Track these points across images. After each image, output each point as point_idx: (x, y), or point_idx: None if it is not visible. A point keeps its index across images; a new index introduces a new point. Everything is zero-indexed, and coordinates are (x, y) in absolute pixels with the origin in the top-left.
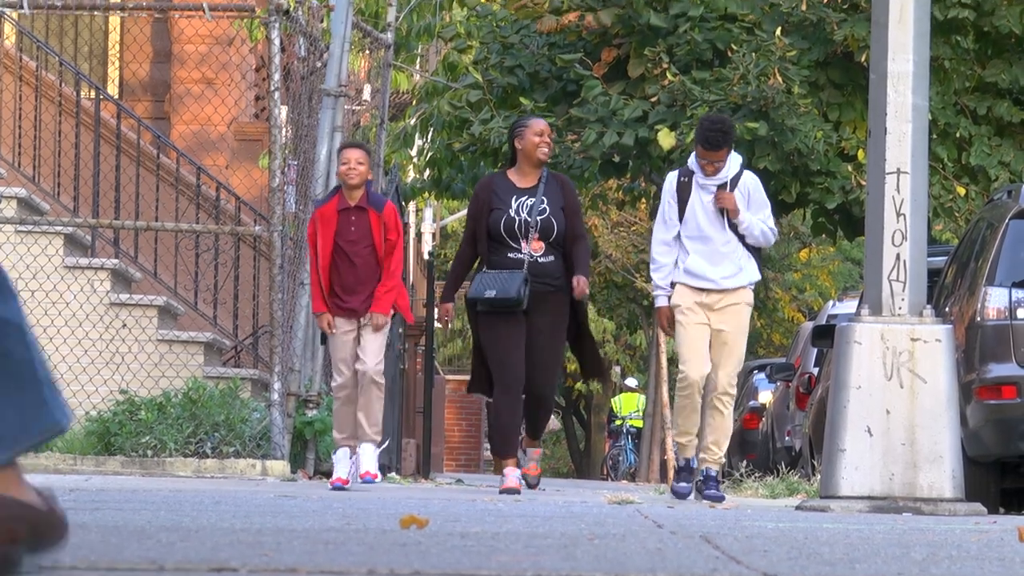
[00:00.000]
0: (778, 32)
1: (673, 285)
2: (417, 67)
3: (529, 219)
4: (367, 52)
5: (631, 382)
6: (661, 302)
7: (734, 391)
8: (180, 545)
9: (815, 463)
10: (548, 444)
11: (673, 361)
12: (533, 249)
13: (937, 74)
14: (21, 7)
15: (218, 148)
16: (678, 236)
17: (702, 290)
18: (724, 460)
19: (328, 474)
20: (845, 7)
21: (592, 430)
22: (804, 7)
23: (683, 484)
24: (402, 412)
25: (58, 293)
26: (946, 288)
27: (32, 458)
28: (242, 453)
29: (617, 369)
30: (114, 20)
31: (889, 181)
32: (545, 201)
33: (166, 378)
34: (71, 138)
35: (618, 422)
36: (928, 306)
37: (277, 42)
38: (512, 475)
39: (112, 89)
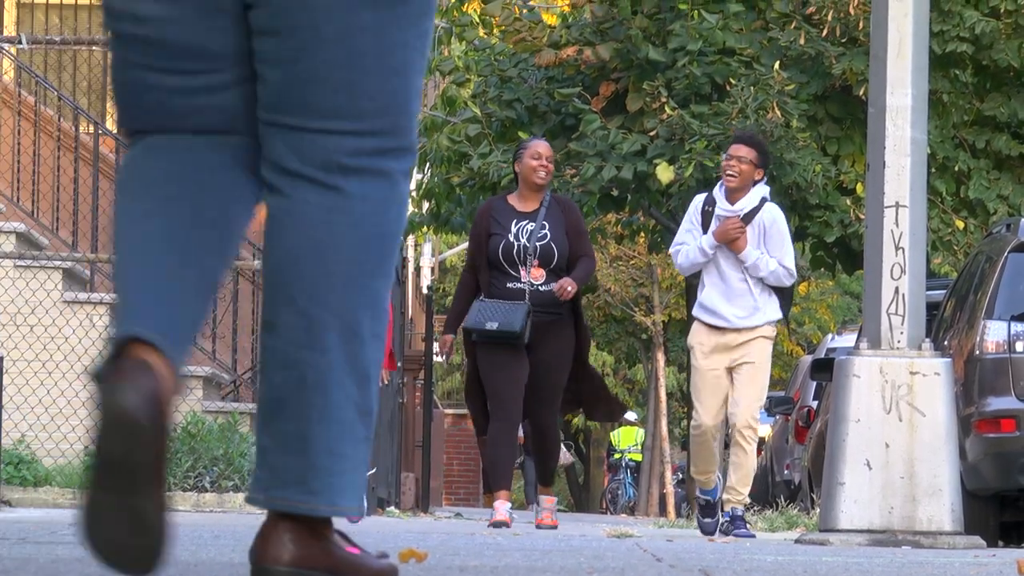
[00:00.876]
0: (776, 66)
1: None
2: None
3: (528, 244)
4: None
5: (630, 416)
6: (707, 240)
7: (758, 425)
8: None
9: (814, 496)
10: None
11: (672, 395)
12: (533, 277)
13: (936, 108)
14: (20, 43)
15: None
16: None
17: (717, 328)
18: (748, 500)
19: None
20: (843, 41)
21: (591, 464)
22: (802, 41)
23: (708, 520)
24: (401, 446)
25: (57, 328)
26: (945, 321)
27: (32, 492)
28: (241, 487)
29: None
30: None
31: (888, 215)
32: (547, 227)
33: None
34: (70, 173)
35: (617, 455)
36: (927, 339)
37: None
38: (502, 508)
39: (111, 124)
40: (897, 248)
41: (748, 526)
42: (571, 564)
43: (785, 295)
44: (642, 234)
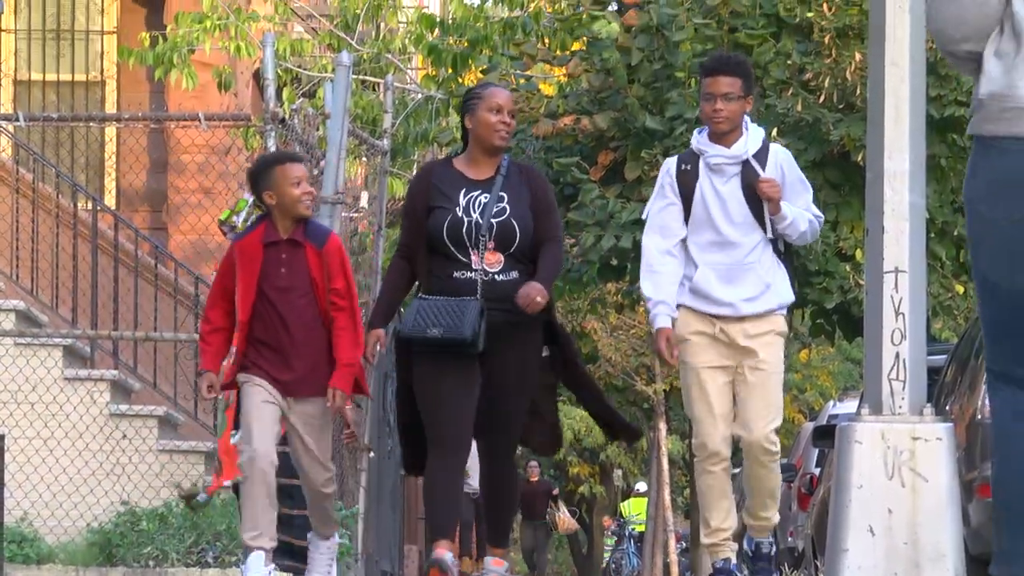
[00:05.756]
0: (774, 133)
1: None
2: (414, 173)
3: (482, 221)
4: (364, 159)
5: (641, 487)
6: (660, 322)
7: (777, 448)
8: None
9: (818, 563)
10: (551, 548)
11: (675, 463)
12: (488, 263)
13: (934, 172)
14: (17, 119)
15: (216, 257)
16: (682, 243)
17: (715, 317)
18: (775, 525)
19: None
20: (841, 107)
21: (595, 533)
22: (800, 108)
23: None
24: (403, 519)
25: (58, 405)
26: (946, 386)
27: (35, 570)
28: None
29: (619, 472)
30: (110, 131)
31: (887, 280)
32: (505, 198)
33: (167, 488)
34: (69, 249)
35: (620, 524)
36: (928, 405)
37: (273, 150)
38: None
39: (109, 200)
40: (897, 313)
41: (774, 566)
42: None
43: (794, 266)
44: (642, 303)
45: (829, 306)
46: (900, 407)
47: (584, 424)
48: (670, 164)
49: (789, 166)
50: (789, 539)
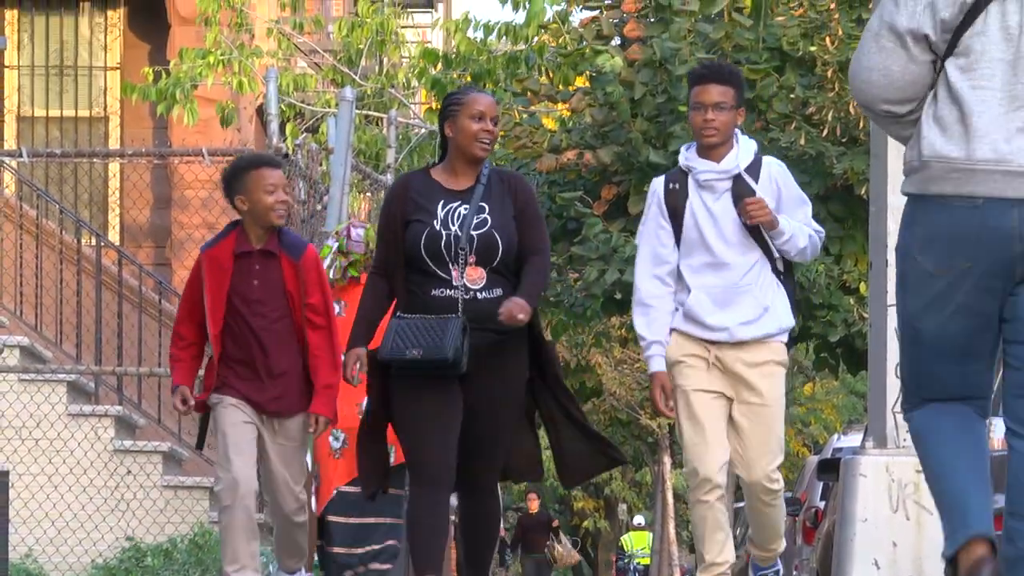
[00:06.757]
0: None
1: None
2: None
3: (461, 234)
4: (367, 194)
5: (639, 520)
6: (656, 365)
7: (780, 485)
8: None
9: None
10: None
11: (680, 497)
12: (469, 279)
13: None
14: (20, 156)
15: None
16: (675, 269)
17: (710, 343)
18: (781, 551)
19: None
20: (844, 141)
21: (599, 568)
22: (803, 142)
23: None
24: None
25: (62, 441)
26: None
27: None
28: None
29: (623, 506)
30: (114, 166)
31: (891, 313)
32: (486, 208)
33: (172, 524)
34: (73, 285)
35: (626, 560)
36: None
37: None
38: None
39: (113, 236)
40: None
41: None
42: None
43: (794, 286)
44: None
45: (833, 339)
46: (904, 440)
47: None
48: (657, 185)
49: (784, 180)
50: (794, 573)
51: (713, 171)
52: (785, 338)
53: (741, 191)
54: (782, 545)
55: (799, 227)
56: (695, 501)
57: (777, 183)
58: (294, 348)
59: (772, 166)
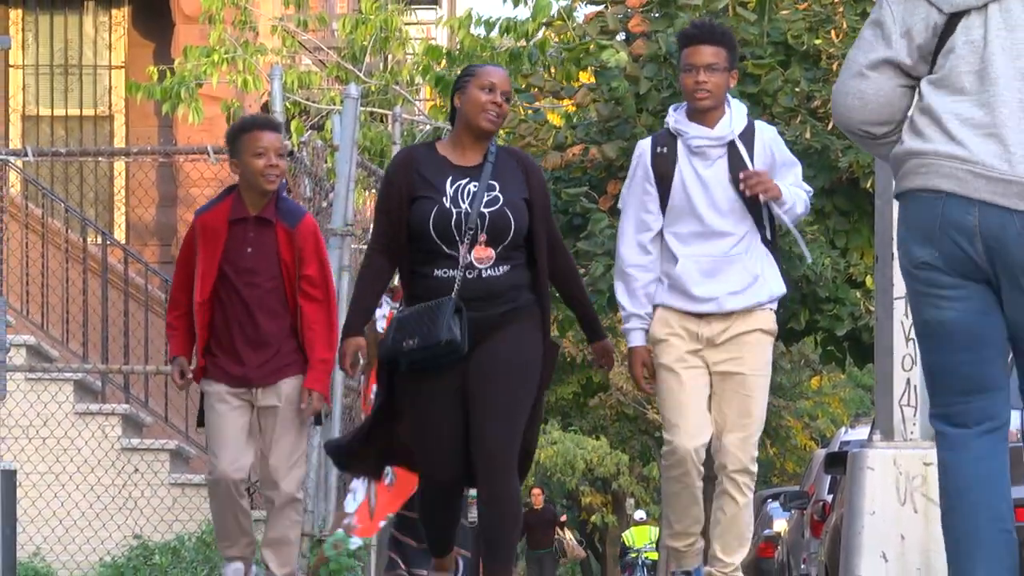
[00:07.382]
0: None
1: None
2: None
3: (471, 211)
4: (373, 191)
5: (639, 515)
6: (635, 340)
7: (754, 467)
8: None
9: None
10: None
11: None
12: (477, 258)
13: None
14: (26, 155)
15: None
16: (658, 236)
17: (696, 315)
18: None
19: None
20: None
21: (608, 563)
22: (808, 135)
23: None
24: None
25: (69, 439)
26: None
27: None
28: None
29: (631, 501)
30: (119, 165)
31: (898, 306)
32: (496, 186)
33: (179, 522)
34: (79, 284)
35: (632, 555)
36: None
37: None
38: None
39: (119, 234)
40: (908, 339)
41: None
42: None
43: (780, 255)
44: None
45: (839, 333)
46: (912, 433)
47: (596, 454)
48: (644, 147)
49: (778, 145)
50: (802, 566)
51: (706, 137)
52: (775, 305)
53: (735, 158)
54: (742, 554)
55: (796, 192)
56: (670, 478)
57: (771, 149)
58: (285, 318)
59: (765, 132)
